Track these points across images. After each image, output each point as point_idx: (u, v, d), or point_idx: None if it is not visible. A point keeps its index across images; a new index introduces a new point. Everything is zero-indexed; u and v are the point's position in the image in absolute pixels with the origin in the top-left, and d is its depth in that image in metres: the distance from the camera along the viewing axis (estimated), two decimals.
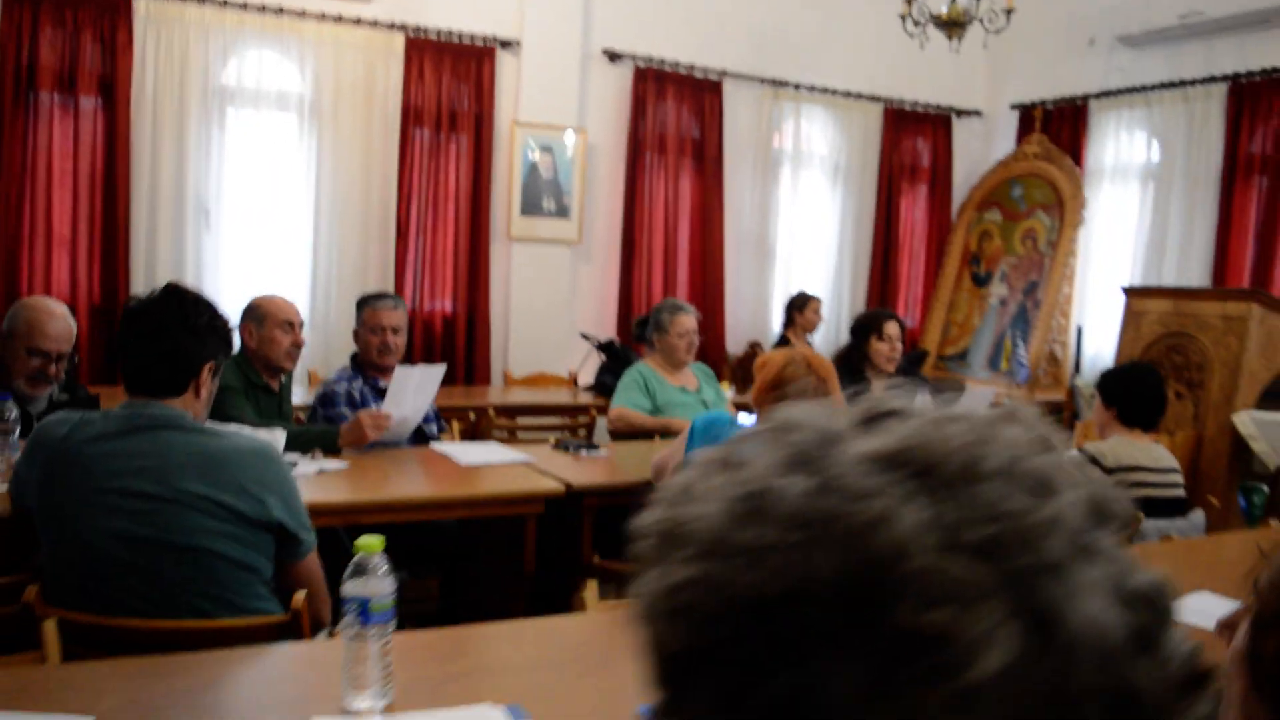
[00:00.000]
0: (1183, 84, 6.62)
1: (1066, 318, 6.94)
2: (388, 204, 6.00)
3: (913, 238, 7.80)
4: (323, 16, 5.75)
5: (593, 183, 6.62)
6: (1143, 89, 6.84)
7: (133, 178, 5.46)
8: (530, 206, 6.38)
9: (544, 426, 5.15)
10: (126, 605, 2.05)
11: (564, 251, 6.53)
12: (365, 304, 3.99)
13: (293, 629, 2.07)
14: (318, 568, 2.34)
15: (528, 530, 3.14)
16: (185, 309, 2.24)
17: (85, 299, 5.44)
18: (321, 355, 5.89)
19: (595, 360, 5.85)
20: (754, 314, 7.17)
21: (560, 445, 3.82)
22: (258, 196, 5.79)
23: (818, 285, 7.27)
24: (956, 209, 7.82)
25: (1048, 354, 6.87)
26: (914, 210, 7.80)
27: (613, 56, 6.60)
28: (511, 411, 5.11)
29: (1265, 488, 5.07)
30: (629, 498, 3.34)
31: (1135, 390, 3.76)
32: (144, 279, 5.50)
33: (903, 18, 5.94)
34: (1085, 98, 7.20)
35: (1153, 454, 3.69)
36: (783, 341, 6.36)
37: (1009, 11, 5.74)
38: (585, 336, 5.84)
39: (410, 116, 6.02)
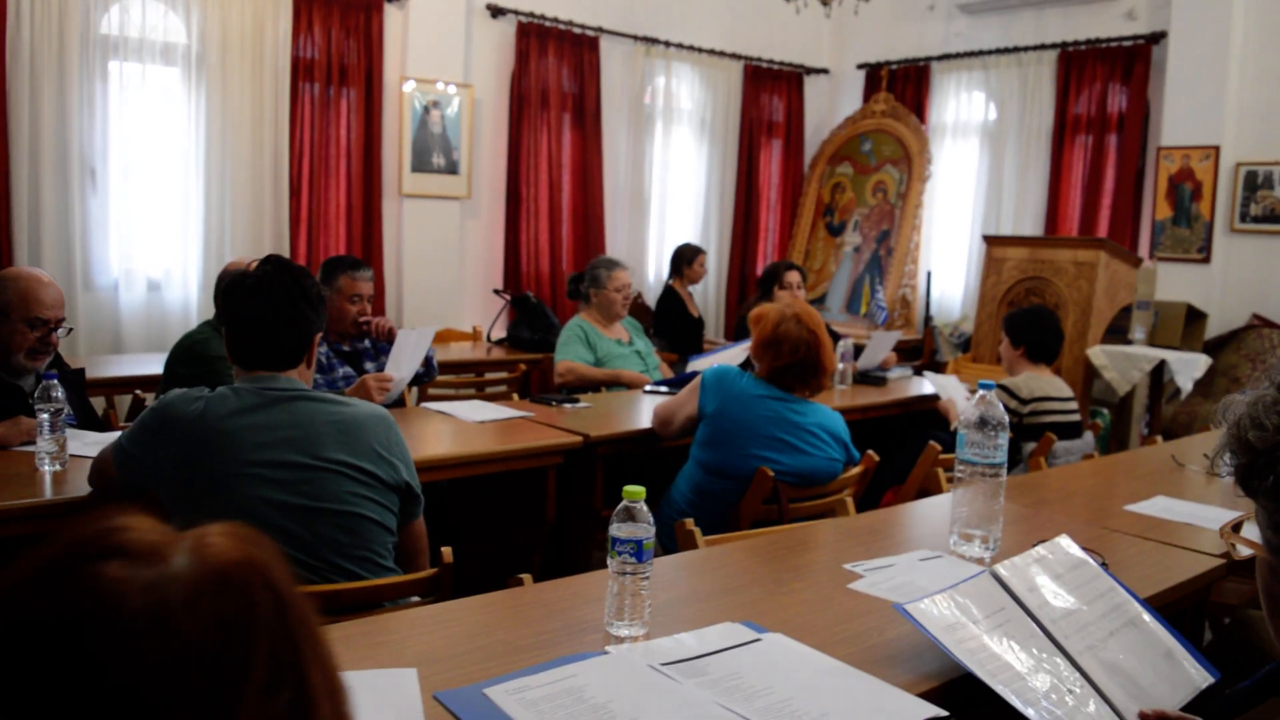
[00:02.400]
0: (1016, 50, 7.29)
1: (915, 264, 7.56)
2: (279, 161, 5.87)
3: (770, 190, 8.24)
4: None
5: (479, 138, 6.68)
6: (980, 53, 7.48)
7: (10, 134, 5.13)
8: (420, 163, 6.38)
9: (468, 382, 5.24)
10: None
11: (453, 207, 6.58)
12: (340, 270, 3.92)
13: (441, 583, 2.22)
14: (424, 527, 2.48)
15: (549, 481, 3.32)
16: (301, 281, 2.30)
17: None
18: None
19: (501, 315, 5.97)
20: (632, 266, 7.41)
21: (539, 399, 3.98)
22: (146, 154, 5.55)
23: (688, 236, 7.62)
24: (809, 163, 8.31)
25: (900, 298, 7.48)
26: (771, 164, 8.24)
27: (495, 11, 6.65)
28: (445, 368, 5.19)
29: (1106, 410, 5.83)
30: (635, 447, 3.59)
31: (1039, 330, 4.27)
32: (27, 242, 5.21)
33: None
34: (927, 60, 7.79)
35: (1056, 385, 4.23)
36: (668, 291, 6.64)
37: None
38: (498, 292, 5.95)
39: (300, 71, 5.91)
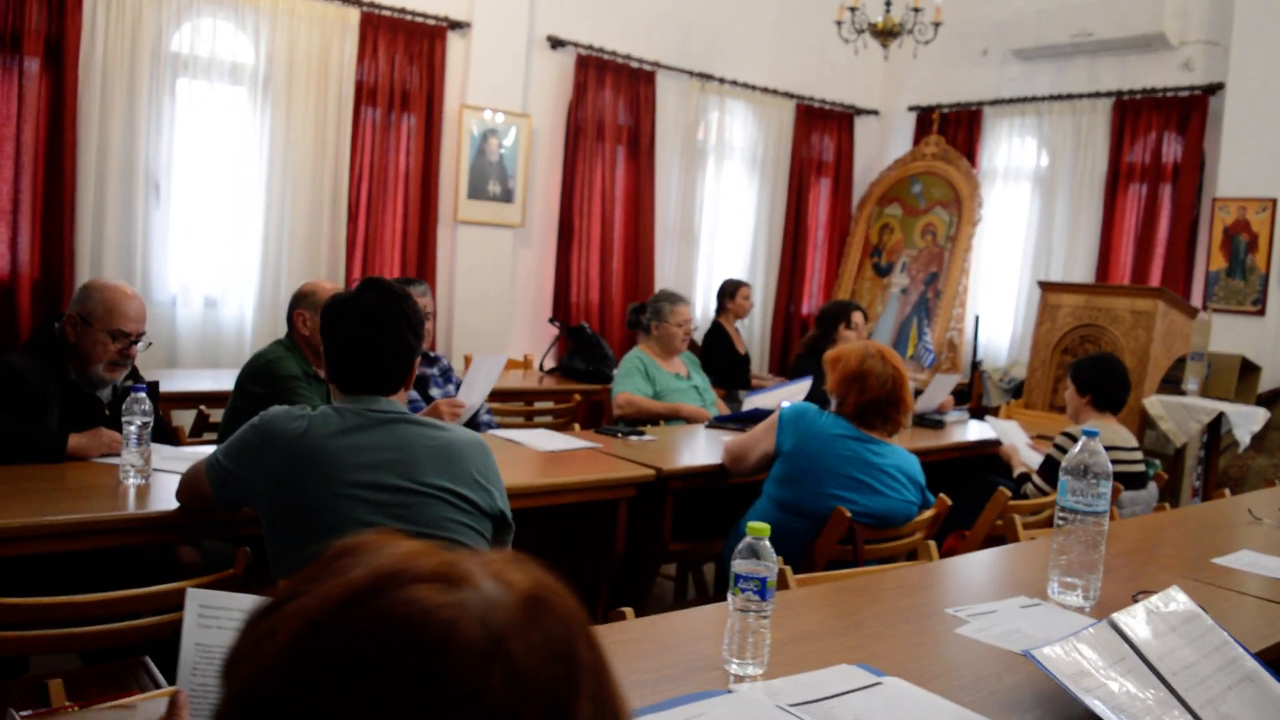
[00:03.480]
0: (1070, 97, 7.29)
1: (963, 307, 7.53)
2: (339, 184, 5.92)
3: (818, 229, 8.25)
4: None
5: (534, 168, 6.71)
6: (1033, 99, 7.48)
7: (79, 147, 5.20)
8: (476, 190, 6.42)
9: (518, 410, 5.23)
10: None
11: (507, 235, 6.61)
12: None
13: None
14: None
15: (620, 512, 3.30)
16: (405, 308, 2.30)
17: (26, 274, 5.16)
18: (269, 337, 5.76)
19: (550, 343, 5.97)
20: None
21: (605, 430, 3.97)
22: (209, 172, 5.61)
23: (735, 272, 7.62)
24: (857, 203, 8.32)
25: (947, 341, 7.45)
26: (819, 203, 8.25)
27: (556, 43, 6.70)
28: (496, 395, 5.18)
29: (1157, 461, 5.77)
30: (705, 482, 3.57)
31: (1106, 379, 4.22)
32: (89, 255, 5.27)
33: (839, 24, 6.32)
34: (979, 104, 7.80)
35: (1123, 435, 4.18)
36: (715, 328, 6.63)
37: (937, 25, 6.21)
38: (554, 321, 5.95)
39: (363, 94, 5.96)
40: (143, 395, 2.67)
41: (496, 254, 6.56)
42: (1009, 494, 3.62)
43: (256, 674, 0.60)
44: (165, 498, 2.53)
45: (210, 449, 3.21)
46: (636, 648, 1.84)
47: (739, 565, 1.72)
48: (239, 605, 1.29)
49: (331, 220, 5.92)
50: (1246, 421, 5.39)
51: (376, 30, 5.93)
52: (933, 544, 2.76)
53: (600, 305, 6.98)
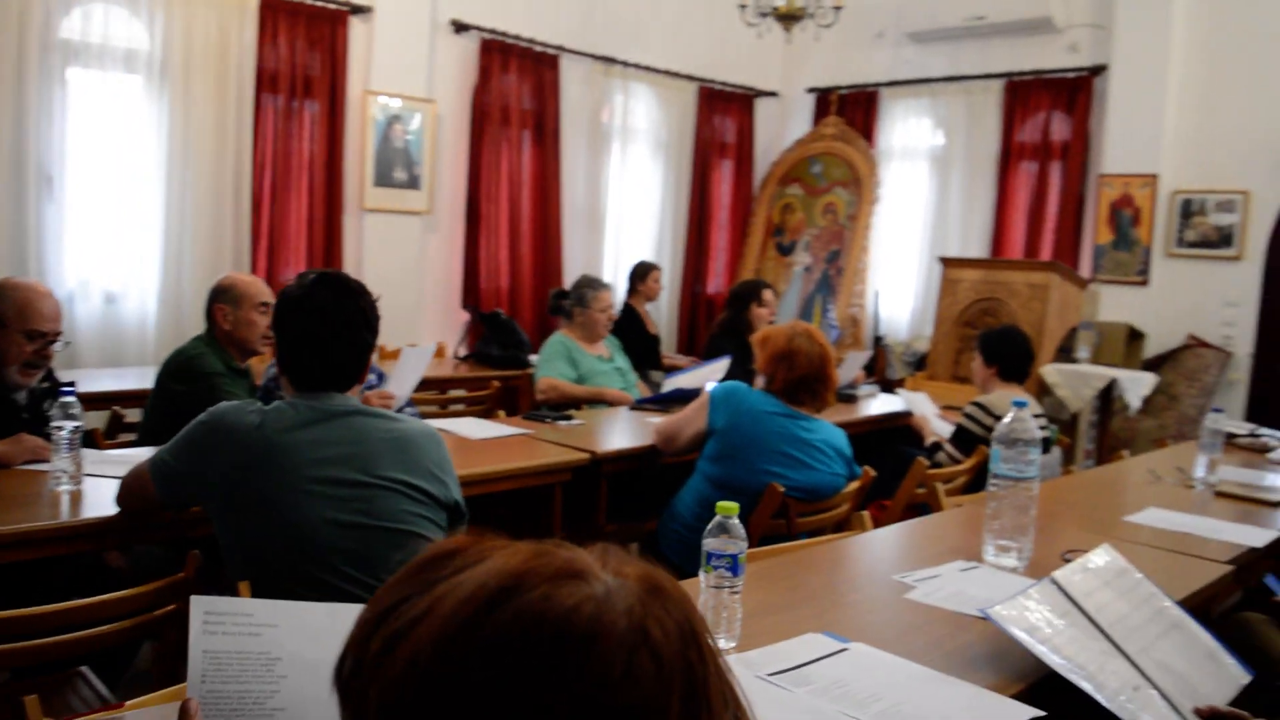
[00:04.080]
0: (963, 78, 7.52)
1: (864, 284, 7.73)
2: (241, 173, 5.78)
3: (721, 210, 8.36)
4: None
5: (440, 154, 6.65)
6: (928, 81, 7.70)
7: None
8: (382, 177, 6.33)
9: (433, 399, 5.19)
10: (335, 587, 2.12)
11: (414, 222, 6.54)
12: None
13: None
14: None
15: (556, 497, 3.33)
16: (363, 302, 2.29)
17: None
18: (173, 333, 5.62)
19: (462, 330, 5.95)
20: None
21: (533, 416, 3.99)
22: (105, 163, 5.41)
23: (642, 255, 7.68)
24: (759, 183, 8.45)
25: (849, 317, 7.64)
26: (722, 184, 8.36)
27: (459, 27, 6.64)
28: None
29: (1055, 426, 6.04)
30: (638, 463, 3.62)
31: (1012, 350, 4.40)
32: None
33: (742, 7, 6.40)
34: (876, 85, 8.00)
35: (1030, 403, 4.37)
36: (627, 310, 6.67)
37: (838, 8, 6.34)
38: (469, 308, 5.92)
39: (264, 81, 5.82)
40: (73, 399, 2.59)
41: (404, 241, 6.49)
42: (926, 464, 3.76)
43: (396, 684, 0.62)
44: (101, 503, 2.47)
45: (134, 451, 3.15)
46: None
47: (710, 543, 1.78)
48: (243, 610, 1.29)
49: (235, 210, 5.78)
50: (1136, 386, 5.68)
51: (276, 15, 5.80)
52: (867, 515, 2.87)
53: (510, 291, 6.97)
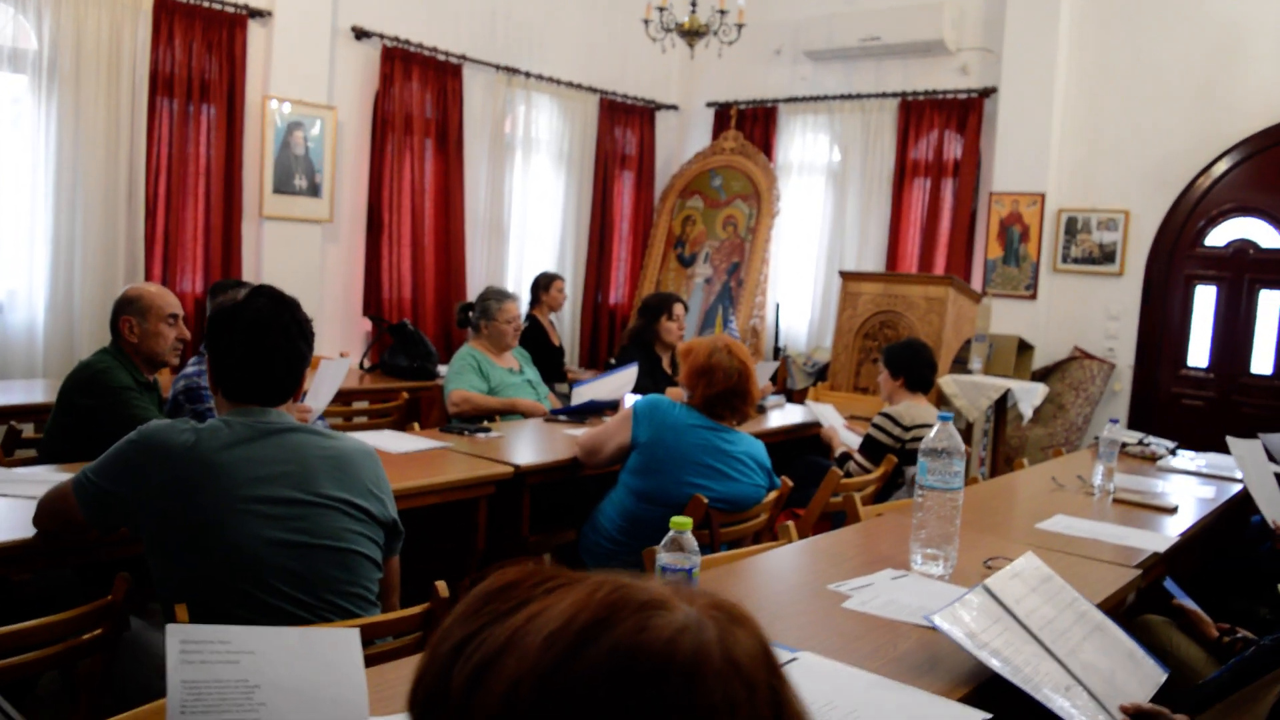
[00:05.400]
0: (859, 97, 7.72)
1: (764, 295, 7.86)
2: (135, 178, 5.58)
3: (623, 221, 8.40)
4: None
5: (341, 161, 6.54)
6: (825, 98, 7.88)
7: None
8: (282, 184, 6.19)
9: (337, 411, 5.09)
10: (275, 608, 2.07)
11: (315, 230, 6.41)
12: (223, 293, 3.80)
13: (434, 619, 2.21)
14: (399, 563, 2.46)
15: (480, 511, 3.31)
16: (297, 315, 2.25)
17: None
18: (63, 343, 5.41)
19: (365, 340, 5.85)
20: None
21: (451, 429, 3.95)
22: None
23: (545, 265, 7.68)
24: (659, 195, 8.52)
25: (750, 329, 7.76)
26: (623, 196, 8.40)
27: (360, 34, 6.54)
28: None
29: None
30: (562, 475, 3.62)
31: (916, 361, 4.54)
32: None
33: (646, 22, 6.47)
34: (774, 101, 8.15)
35: (933, 413, 4.49)
36: (530, 321, 6.66)
37: (740, 26, 6.45)
38: (374, 318, 5.82)
39: (159, 84, 5.64)
40: None
41: (304, 250, 6.35)
42: (840, 474, 3.85)
43: (496, 716, 0.62)
44: (16, 525, 2.36)
45: (39, 469, 3.01)
46: None
47: (665, 558, 1.80)
48: (220, 637, 1.25)
49: (128, 217, 5.58)
50: (1029, 396, 5.90)
51: (172, 16, 5.62)
52: (792, 526, 2.92)
53: (413, 301, 6.88)
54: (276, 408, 2.22)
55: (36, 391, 4.67)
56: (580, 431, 3.92)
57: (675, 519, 1.81)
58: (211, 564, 2.05)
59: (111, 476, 2.12)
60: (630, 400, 3.96)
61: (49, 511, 2.24)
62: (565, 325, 7.90)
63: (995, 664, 1.78)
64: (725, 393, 3.31)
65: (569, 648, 0.63)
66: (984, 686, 1.81)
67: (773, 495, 3.50)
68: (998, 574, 2.13)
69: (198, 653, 1.22)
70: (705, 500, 3.19)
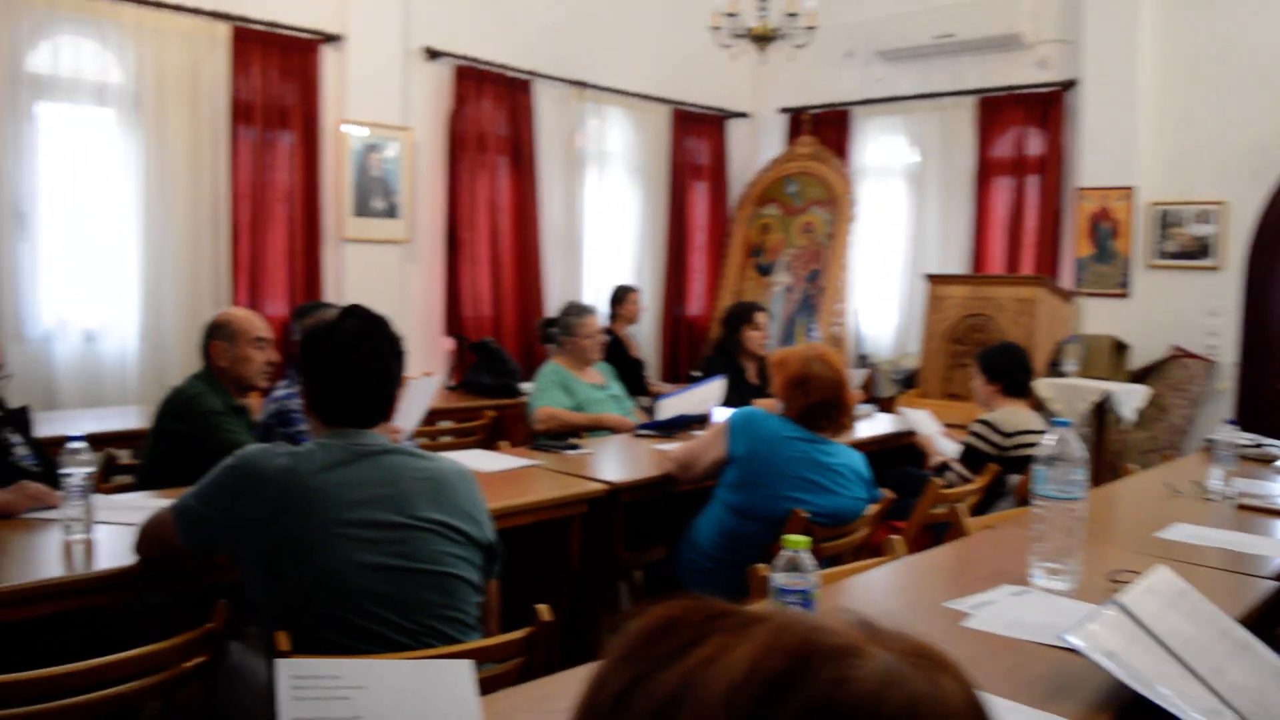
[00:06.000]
0: (935, 95, 7.56)
1: (844, 302, 7.73)
2: (219, 205, 5.66)
3: (698, 232, 8.33)
4: (142, 1, 5.32)
5: (418, 182, 6.56)
6: (900, 99, 7.73)
7: None
8: (361, 207, 6.23)
9: (422, 431, 5.06)
10: (373, 633, 2.02)
11: (394, 251, 6.44)
12: (309, 314, 3.84)
13: (536, 643, 2.14)
14: (497, 585, 2.40)
15: (574, 530, 3.25)
16: (389, 335, 2.21)
17: None
18: (155, 370, 5.48)
19: (448, 359, 5.84)
20: None
21: (541, 446, 3.90)
22: (79, 198, 5.27)
23: (621, 278, 7.63)
24: (734, 204, 8.44)
25: (831, 336, 7.62)
26: (698, 206, 8.33)
27: (432, 54, 6.57)
28: None
29: None
30: (653, 492, 3.54)
31: (1012, 365, 4.39)
32: None
33: (715, 29, 6.39)
34: (847, 104, 8.01)
35: (1033, 419, 4.34)
36: (609, 335, 6.60)
37: (810, 28, 6.34)
38: (459, 338, 5.82)
39: (239, 112, 5.71)
40: (83, 444, 2.47)
41: (385, 271, 6.39)
42: (941, 484, 3.72)
43: None
44: (116, 552, 2.36)
45: (138, 496, 3.03)
46: None
47: (781, 579, 1.71)
48: (330, 672, 1.20)
49: (213, 243, 5.65)
50: (1130, 399, 5.69)
51: (248, 45, 5.69)
52: (899, 540, 2.81)
53: (493, 318, 6.88)
54: (371, 429, 2.18)
55: (131, 418, 4.74)
56: (671, 446, 3.85)
57: (790, 537, 1.72)
58: (308, 589, 2.01)
59: (209, 502, 2.10)
60: (721, 413, 3.87)
61: (149, 538, 2.24)
62: (644, 338, 7.84)
63: (1140, 688, 1.66)
64: (822, 404, 3.21)
65: (759, 702, 0.55)
66: (1125, 711, 1.69)
67: (874, 508, 3.38)
68: (1131, 589, 2.00)
69: (309, 689, 1.17)
70: (805, 515, 3.09)
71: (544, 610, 2.13)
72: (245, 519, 2.04)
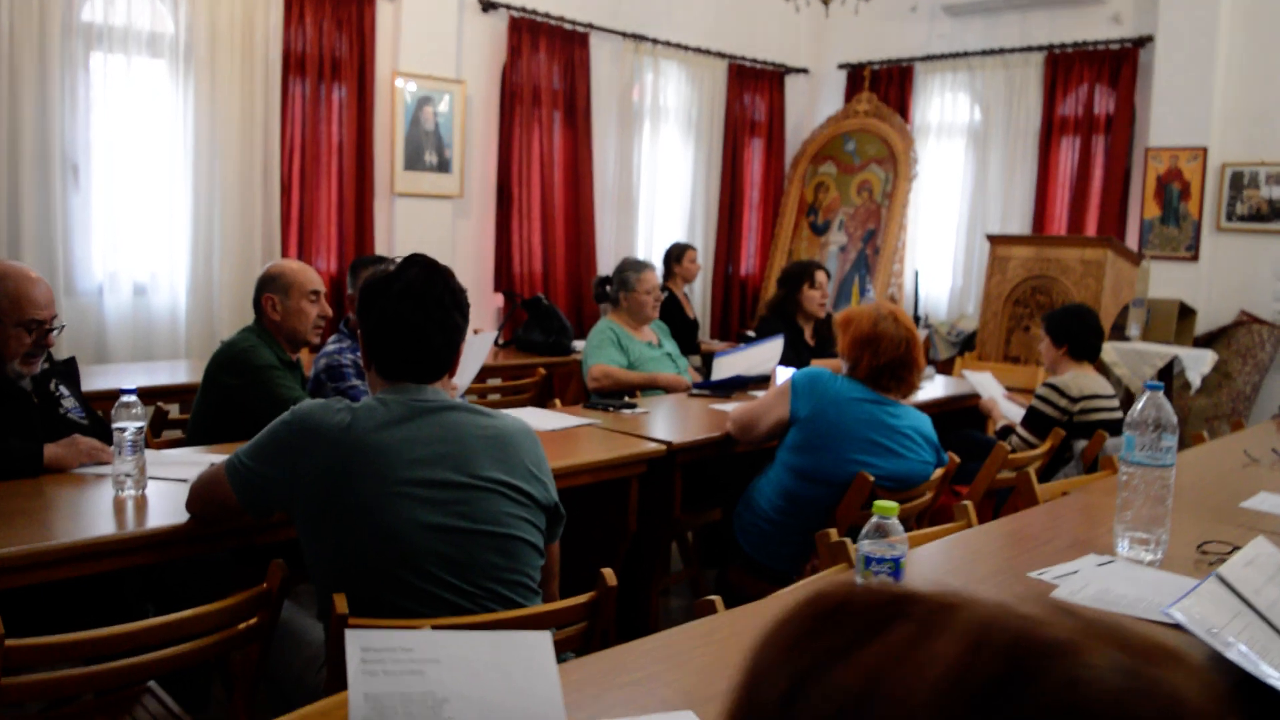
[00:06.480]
0: (1002, 52, 7.32)
1: (902, 263, 7.55)
2: (270, 158, 5.60)
3: (752, 189, 8.17)
4: None
5: (470, 136, 6.47)
6: (965, 55, 7.50)
7: None
8: (412, 160, 6.16)
9: (483, 388, 5.02)
10: (434, 596, 1.96)
11: (446, 206, 6.37)
12: (366, 268, 3.71)
13: (601, 609, 2.07)
14: (559, 548, 2.33)
15: (632, 491, 3.18)
16: (452, 285, 2.13)
17: None
18: (204, 324, 5.47)
19: (498, 316, 5.77)
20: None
21: (595, 404, 3.83)
22: (130, 151, 5.24)
23: (675, 235, 7.51)
24: (790, 162, 8.26)
25: (888, 297, 7.46)
26: (753, 163, 8.17)
27: (487, 6, 6.45)
28: None
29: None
30: (714, 452, 3.46)
31: (1081, 328, 4.22)
32: (5, 244, 4.88)
33: None
34: (910, 60, 7.79)
35: (1101, 383, 4.20)
36: (665, 293, 6.50)
37: None
38: (509, 294, 5.75)
39: (291, 64, 5.65)
40: (134, 399, 2.41)
41: (436, 226, 6.32)
42: (1008, 449, 3.60)
43: None
44: (169, 509, 2.31)
45: (188, 451, 2.98)
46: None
47: (869, 547, 1.62)
48: (402, 645, 1.13)
49: (264, 197, 5.61)
50: (1197, 364, 5.51)
51: None
52: (970, 506, 2.70)
53: (544, 275, 6.80)
54: (432, 384, 2.11)
55: (180, 372, 4.73)
56: (729, 406, 3.76)
57: (879, 503, 1.62)
58: (367, 549, 1.94)
59: (265, 459, 2.04)
60: (782, 374, 3.77)
61: (203, 496, 2.18)
62: (696, 297, 7.73)
63: (1248, 666, 1.56)
64: (892, 363, 3.10)
65: (976, 706, 0.46)
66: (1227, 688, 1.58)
67: (939, 472, 3.27)
68: (1230, 562, 1.88)
69: (380, 662, 1.09)
70: (871, 478, 2.99)
71: (609, 574, 2.06)
72: (301, 476, 1.97)
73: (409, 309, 2.06)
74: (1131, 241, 6.81)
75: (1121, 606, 1.91)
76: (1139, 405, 2.24)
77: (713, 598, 1.88)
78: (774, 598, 2.00)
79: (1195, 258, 6.59)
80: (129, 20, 5.15)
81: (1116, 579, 2.08)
